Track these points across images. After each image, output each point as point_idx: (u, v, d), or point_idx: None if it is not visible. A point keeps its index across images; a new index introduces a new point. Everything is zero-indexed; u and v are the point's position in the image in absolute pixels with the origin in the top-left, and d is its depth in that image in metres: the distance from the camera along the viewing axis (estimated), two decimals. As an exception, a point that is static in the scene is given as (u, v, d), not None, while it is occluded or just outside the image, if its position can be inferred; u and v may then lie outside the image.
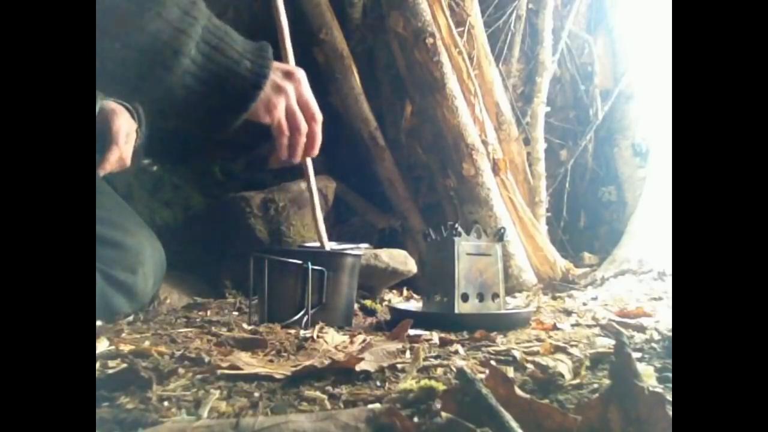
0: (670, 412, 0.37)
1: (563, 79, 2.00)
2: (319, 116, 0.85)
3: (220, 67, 0.69)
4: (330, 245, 1.01)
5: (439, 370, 0.60)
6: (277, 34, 0.93)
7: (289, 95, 0.80)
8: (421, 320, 0.87)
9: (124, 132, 1.01)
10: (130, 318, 1.01)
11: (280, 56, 0.90)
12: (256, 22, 1.85)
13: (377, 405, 0.47)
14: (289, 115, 0.81)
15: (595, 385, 0.52)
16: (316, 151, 0.88)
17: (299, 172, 1.58)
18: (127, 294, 1.03)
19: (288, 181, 1.56)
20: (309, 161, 0.94)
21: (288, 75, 0.80)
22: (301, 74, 0.82)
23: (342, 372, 0.57)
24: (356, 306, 1.13)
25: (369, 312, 1.16)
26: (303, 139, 0.83)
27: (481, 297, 0.95)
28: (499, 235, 1.00)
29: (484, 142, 1.60)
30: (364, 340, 0.76)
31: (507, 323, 0.90)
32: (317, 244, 0.98)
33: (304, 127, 0.83)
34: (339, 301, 0.93)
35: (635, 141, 1.89)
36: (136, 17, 0.62)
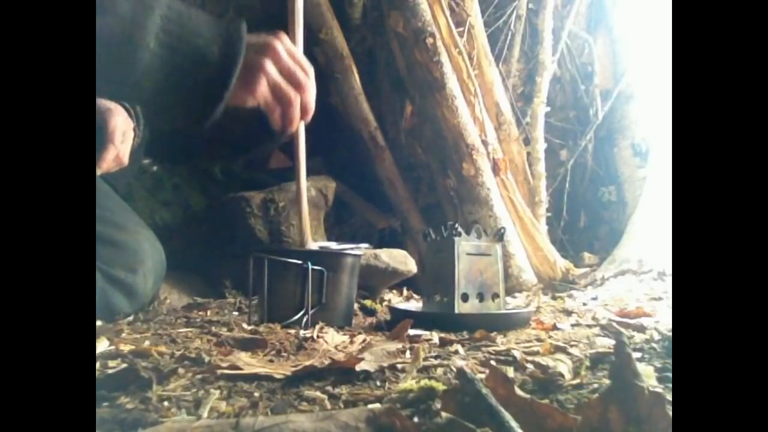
0: (670, 412, 0.37)
1: (563, 79, 2.00)
2: (306, 82, 0.79)
3: (185, 57, 0.64)
4: (330, 245, 1.01)
5: (439, 370, 0.60)
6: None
7: (268, 71, 0.74)
8: (421, 320, 0.87)
9: (120, 131, 1.00)
10: (130, 318, 1.01)
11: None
12: (256, 23, 1.86)
13: (377, 405, 0.47)
14: (275, 89, 0.76)
15: (595, 385, 0.52)
16: (309, 117, 0.82)
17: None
18: (128, 293, 1.03)
19: (288, 181, 1.56)
20: (302, 128, 0.91)
21: (263, 48, 0.75)
22: (277, 43, 0.76)
23: (342, 372, 0.57)
24: (356, 306, 1.13)
25: (369, 312, 1.16)
26: (295, 110, 0.78)
27: (481, 297, 0.95)
28: (499, 235, 1.00)
29: (484, 142, 1.60)
30: (364, 340, 0.76)
31: (507, 323, 0.90)
32: (318, 244, 0.99)
33: (293, 97, 0.77)
34: (339, 301, 0.93)
35: (635, 141, 1.89)
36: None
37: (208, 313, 1.11)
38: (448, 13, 1.63)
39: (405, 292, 1.50)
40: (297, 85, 0.78)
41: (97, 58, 0.58)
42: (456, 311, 0.93)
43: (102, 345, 0.69)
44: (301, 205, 0.95)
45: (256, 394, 0.51)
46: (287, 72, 0.76)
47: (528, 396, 0.43)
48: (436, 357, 0.66)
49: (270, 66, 0.74)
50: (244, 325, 0.88)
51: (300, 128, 0.91)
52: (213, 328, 0.85)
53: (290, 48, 0.78)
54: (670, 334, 0.73)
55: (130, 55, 0.60)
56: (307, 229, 0.96)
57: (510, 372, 0.58)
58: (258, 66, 0.73)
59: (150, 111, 0.68)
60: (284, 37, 0.78)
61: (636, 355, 0.65)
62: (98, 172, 1.01)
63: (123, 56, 0.60)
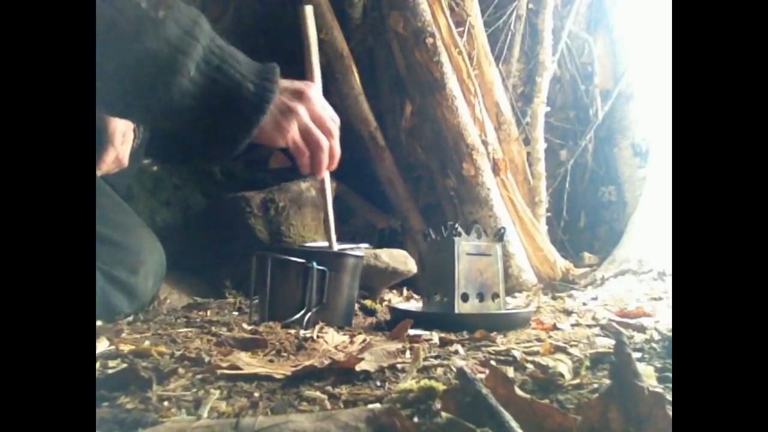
0: (670, 412, 0.37)
1: (563, 79, 2.00)
2: (335, 131, 0.83)
3: (222, 88, 0.67)
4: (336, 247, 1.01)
5: (439, 370, 0.60)
6: (286, 42, 0.93)
7: (300, 115, 0.77)
8: (421, 320, 0.87)
9: (120, 132, 1.00)
10: (130, 318, 1.01)
11: (303, 73, 0.90)
12: (257, 23, 1.86)
13: (377, 405, 0.47)
14: (305, 134, 0.79)
15: (595, 385, 0.52)
16: (335, 165, 0.86)
17: (299, 173, 1.58)
18: (128, 294, 1.03)
19: (288, 181, 1.56)
20: (327, 174, 0.93)
21: (298, 94, 0.78)
22: (312, 92, 0.80)
23: (342, 372, 0.57)
24: (356, 306, 1.13)
25: (369, 312, 1.16)
26: (324, 156, 0.81)
27: (481, 297, 0.95)
28: (499, 235, 1.00)
29: (484, 142, 1.60)
30: (364, 340, 0.76)
31: (507, 323, 0.90)
32: (317, 244, 0.99)
33: (324, 144, 0.81)
34: (340, 301, 0.93)
35: (635, 141, 1.89)
36: (134, 35, 0.60)
37: (208, 313, 1.11)
38: (448, 13, 1.63)
39: (405, 292, 1.50)
40: (327, 133, 0.82)
41: (135, 76, 0.61)
42: (456, 311, 0.93)
43: (102, 345, 0.69)
44: (328, 222, 0.96)
45: (256, 394, 0.51)
46: (318, 119, 0.80)
47: (528, 396, 0.43)
48: (436, 357, 0.66)
49: (303, 111, 0.78)
50: (244, 325, 0.87)
51: (326, 176, 0.93)
52: (213, 328, 0.85)
53: (321, 97, 0.82)
54: (670, 334, 0.73)
55: (169, 78, 0.62)
56: (334, 238, 0.96)
57: (510, 372, 0.58)
58: (292, 109, 0.76)
59: (174, 134, 0.69)
60: (314, 86, 0.82)
61: (636, 355, 0.65)
62: (98, 173, 1.01)
63: (162, 78, 0.62)
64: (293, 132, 0.77)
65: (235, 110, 0.68)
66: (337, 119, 0.85)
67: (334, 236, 0.96)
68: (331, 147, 0.83)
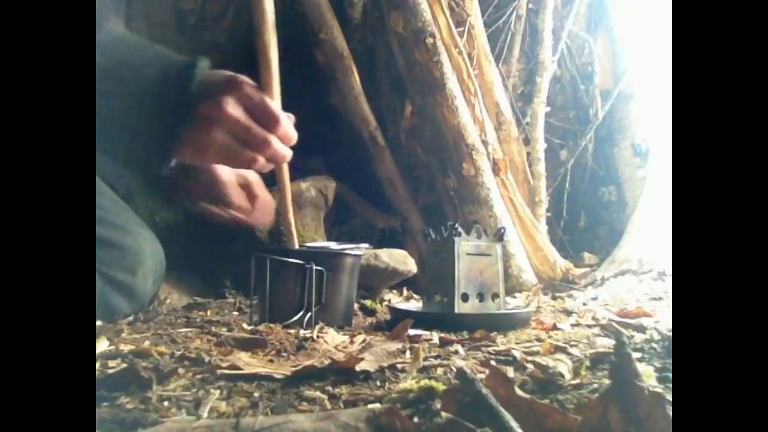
0: (670, 412, 0.37)
1: (563, 79, 2.00)
2: (279, 117, 0.68)
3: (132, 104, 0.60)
4: (330, 245, 1.01)
5: (439, 370, 0.60)
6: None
7: (231, 124, 0.65)
8: (421, 320, 0.87)
9: (232, 182, 0.82)
10: (130, 318, 1.01)
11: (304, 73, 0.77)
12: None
13: (377, 405, 0.47)
14: (245, 135, 0.66)
15: (595, 385, 0.52)
16: (290, 149, 0.73)
17: (299, 173, 1.57)
18: (127, 295, 1.03)
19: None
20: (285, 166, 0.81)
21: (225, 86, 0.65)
22: (232, 96, 0.65)
23: (342, 372, 0.57)
24: (356, 306, 1.13)
25: (369, 312, 1.16)
26: (275, 148, 0.69)
27: (481, 297, 0.95)
28: (499, 235, 1.00)
29: (484, 142, 1.60)
30: (364, 340, 0.76)
31: (507, 323, 0.90)
32: (317, 244, 0.98)
33: (268, 139, 0.68)
34: (339, 301, 0.93)
35: (635, 141, 1.89)
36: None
37: (208, 313, 1.11)
38: (448, 13, 1.63)
39: (405, 292, 1.50)
40: (272, 123, 0.68)
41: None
42: (456, 311, 0.93)
43: (102, 345, 0.69)
44: (287, 212, 0.88)
45: (256, 394, 0.51)
46: (258, 113, 0.67)
47: (528, 396, 0.43)
48: (436, 357, 0.66)
49: (229, 122, 0.65)
50: (244, 325, 0.88)
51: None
52: (213, 328, 0.85)
53: (249, 92, 0.67)
54: (670, 334, 0.73)
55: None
56: (294, 232, 0.90)
57: (510, 372, 0.58)
58: (217, 120, 0.64)
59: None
60: (237, 83, 0.67)
61: (636, 355, 0.65)
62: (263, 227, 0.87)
63: None
64: (223, 143, 0.65)
65: (151, 113, 0.62)
66: (278, 114, 0.69)
67: (293, 227, 0.89)
68: (280, 135, 0.69)
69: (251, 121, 0.67)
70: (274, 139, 0.68)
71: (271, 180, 0.87)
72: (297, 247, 0.91)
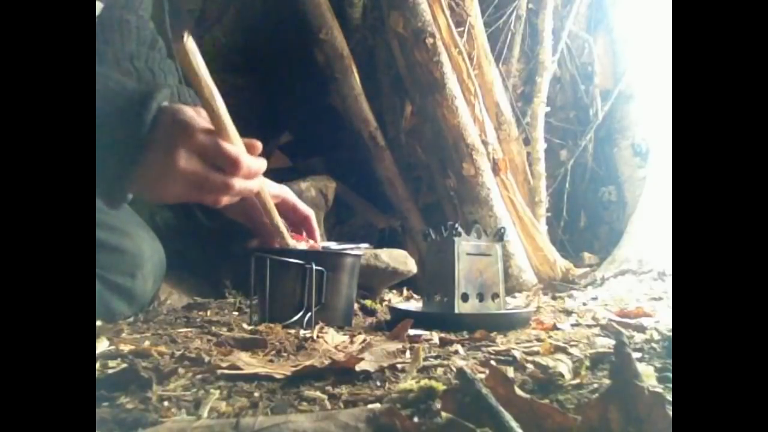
0: (670, 412, 0.37)
1: (563, 79, 2.00)
2: (238, 159, 0.68)
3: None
4: (329, 245, 1.00)
5: (439, 370, 0.60)
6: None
7: (195, 153, 0.65)
8: (421, 320, 0.87)
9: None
10: (130, 318, 1.01)
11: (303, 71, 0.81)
12: (257, 23, 1.86)
13: (377, 405, 0.47)
14: (203, 184, 0.67)
15: (595, 385, 0.52)
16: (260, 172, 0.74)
17: (299, 173, 1.57)
18: (127, 297, 1.02)
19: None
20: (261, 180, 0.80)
21: (181, 127, 0.64)
22: (187, 124, 0.64)
23: (342, 372, 0.57)
24: (356, 306, 1.13)
25: (369, 312, 1.16)
26: (238, 188, 0.70)
27: (481, 297, 0.95)
28: (499, 235, 1.00)
29: (484, 142, 1.60)
30: (364, 340, 0.76)
31: (507, 323, 0.90)
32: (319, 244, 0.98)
33: (229, 183, 0.69)
34: (339, 301, 0.93)
35: (635, 141, 1.89)
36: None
37: (208, 313, 1.11)
38: (448, 13, 1.63)
39: (405, 292, 1.50)
40: (227, 162, 0.68)
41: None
42: (456, 311, 0.93)
43: (102, 345, 0.69)
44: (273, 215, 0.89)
45: (256, 394, 0.51)
46: (208, 148, 0.66)
47: (528, 396, 0.43)
48: (436, 357, 0.66)
49: (195, 147, 0.65)
50: (244, 325, 0.88)
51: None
52: (213, 328, 0.85)
53: (199, 125, 0.66)
54: (670, 334, 0.73)
55: None
56: (286, 233, 0.92)
57: (510, 372, 0.58)
58: (187, 153, 0.64)
59: None
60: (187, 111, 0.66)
61: (636, 355, 0.65)
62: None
63: None
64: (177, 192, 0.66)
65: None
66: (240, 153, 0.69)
67: (282, 227, 0.90)
68: (244, 172, 0.69)
69: (208, 170, 0.67)
70: (236, 181, 0.69)
71: (273, 178, 0.88)
72: (291, 246, 0.91)
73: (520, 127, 1.77)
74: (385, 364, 0.60)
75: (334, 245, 1.05)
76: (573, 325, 0.91)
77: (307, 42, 1.72)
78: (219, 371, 0.57)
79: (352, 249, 1.00)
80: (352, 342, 0.76)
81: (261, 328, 0.83)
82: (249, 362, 0.61)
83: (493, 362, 0.63)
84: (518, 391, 0.43)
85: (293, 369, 0.58)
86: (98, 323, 0.91)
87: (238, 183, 0.69)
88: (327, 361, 0.60)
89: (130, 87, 0.65)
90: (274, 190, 0.90)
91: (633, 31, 1.90)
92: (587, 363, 0.60)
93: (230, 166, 0.67)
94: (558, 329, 0.88)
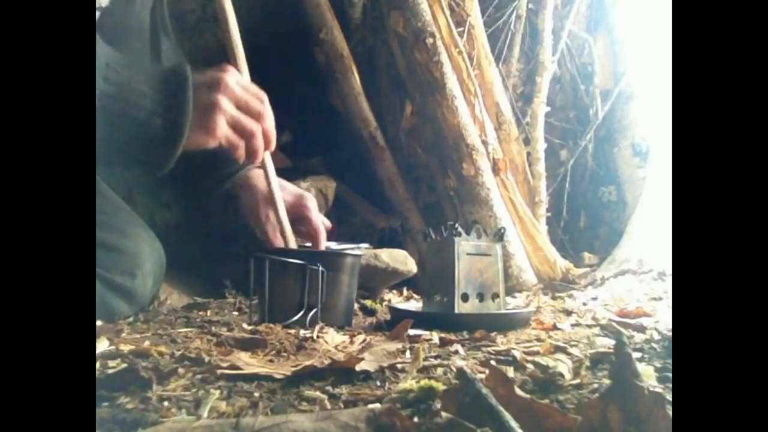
0: (670, 412, 0.37)
1: (563, 79, 2.00)
2: (264, 110, 0.78)
3: (127, 132, 0.65)
4: (329, 245, 1.00)
5: (439, 370, 0.60)
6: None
7: (223, 108, 0.72)
8: (421, 320, 0.87)
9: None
10: (130, 318, 1.01)
11: (301, 68, 0.91)
12: (257, 23, 1.86)
13: (377, 405, 0.47)
14: (234, 125, 0.74)
15: (595, 385, 0.52)
16: (272, 146, 0.82)
17: (299, 173, 1.57)
18: (127, 298, 1.02)
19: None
20: (268, 156, 0.88)
21: (215, 85, 0.72)
22: (229, 76, 0.74)
23: (342, 372, 0.57)
24: (356, 306, 1.13)
25: (369, 312, 1.16)
26: (258, 142, 0.77)
27: (481, 297, 0.95)
28: (499, 235, 1.00)
29: (484, 142, 1.60)
30: (364, 340, 0.76)
31: (507, 323, 0.90)
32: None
33: (254, 128, 0.76)
34: (339, 301, 0.93)
35: (635, 141, 1.89)
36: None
37: (208, 313, 1.11)
38: (448, 13, 1.63)
39: (405, 292, 1.50)
40: (256, 116, 0.77)
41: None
42: (456, 311, 0.93)
43: (102, 345, 0.69)
44: (279, 211, 0.94)
45: (256, 394, 0.51)
46: (243, 104, 0.75)
47: (528, 396, 0.43)
48: (436, 357, 0.66)
49: (224, 102, 0.73)
50: (244, 325, 0.87)
51: (267, 157, 0.89)
52: (213, 328, 0.85)
53: (240, 78, 0.76)
54: (670, 334, 0.73)
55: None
56: (289, 233, 0.95)
57: (510, 372, 0.58)
58: (212, 105, 0.72)
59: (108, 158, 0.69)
60: (232, 69, 0.76)
61: (636, 355, 0.65)
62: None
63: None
64: (221, 129, 0.73)
65: (149, 149, 0.68)
66: (264, 96, 0.79)
67: (284, 217, 0.93)
68: (264, 130, 0.78)
69: (240, 113, 0.76)
70: (258, 131, 0.77)
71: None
72: (294, 246, 0.91)
73: (520, 127, 1.77)
74: (385, 364, 0.60)
75: (334, 245, 1.05)
76: (573, 325, 0.91)
77: (307, 42, 1.72)
78: (219, 371, 0.57)
79: (352, 249, 1.00)
80: (352, 342, 0.76)
81: (261, 328, 0.83)
82: (249, 362, 0.61)
83: (493, 362, 0.63)
84: (518, 391, 0.43)
85: (293, 369, 0.58)
86: (98, 323, 0.91)
87: (259, 137, 0.78)
88: (327, 361, 0.60)
89: (159, 66, 0.74)
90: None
91: (633, 31, 1.89)
92: (587, 363, 0.60)
93: (259, 103, 0.77)
94: (558, 329, 0.88)
